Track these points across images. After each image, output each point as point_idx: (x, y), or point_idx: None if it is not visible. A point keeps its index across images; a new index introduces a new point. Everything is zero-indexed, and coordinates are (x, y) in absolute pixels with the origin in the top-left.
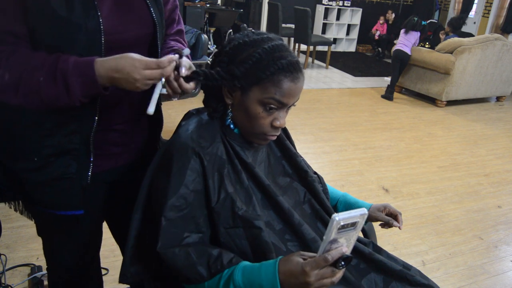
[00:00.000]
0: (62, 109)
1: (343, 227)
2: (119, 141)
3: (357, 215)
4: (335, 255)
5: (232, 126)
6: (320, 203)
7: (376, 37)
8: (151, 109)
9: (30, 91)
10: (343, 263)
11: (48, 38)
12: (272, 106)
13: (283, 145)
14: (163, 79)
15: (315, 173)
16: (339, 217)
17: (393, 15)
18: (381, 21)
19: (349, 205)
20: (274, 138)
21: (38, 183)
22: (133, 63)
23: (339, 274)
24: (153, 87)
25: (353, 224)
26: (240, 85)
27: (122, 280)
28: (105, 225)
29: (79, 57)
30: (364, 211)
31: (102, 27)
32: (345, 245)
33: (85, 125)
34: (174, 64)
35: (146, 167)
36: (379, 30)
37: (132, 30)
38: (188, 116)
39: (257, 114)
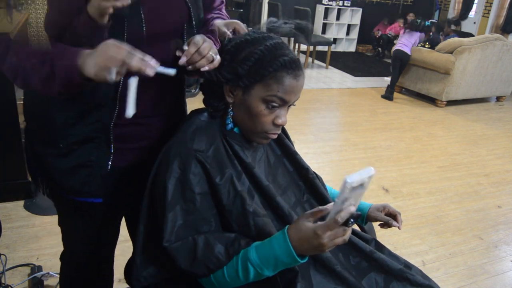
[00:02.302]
0: (85, 100)
1: (353, 188)
2: (140, 134)
3: (365, 176)
4: (345, 216)
5: (232, 125)
6: (321, 200)
7: (377, 36)
8: (130, 112)
9: (24, 73)
10: (352, 220)
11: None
12: (275, 103)
13: (283, 143)
14: (135, 79)
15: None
16: (350, 179)
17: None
18: (400, 24)
19: None
20: (275, 136)
21: (62, 169)
22: (108, 43)
23: (349, 231)
24: (128, 88)
25: (361, 185)
26: (244, 83)
27: (136, 285)
28: None
29: (66, 47)
30: (372, 171)
31: (143, 16)
32: (353, 204)
33: (106, 116)
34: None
35: None
36: (395, 32)
37: (170, 18)
38: (188, 117)
39: (259, 112)
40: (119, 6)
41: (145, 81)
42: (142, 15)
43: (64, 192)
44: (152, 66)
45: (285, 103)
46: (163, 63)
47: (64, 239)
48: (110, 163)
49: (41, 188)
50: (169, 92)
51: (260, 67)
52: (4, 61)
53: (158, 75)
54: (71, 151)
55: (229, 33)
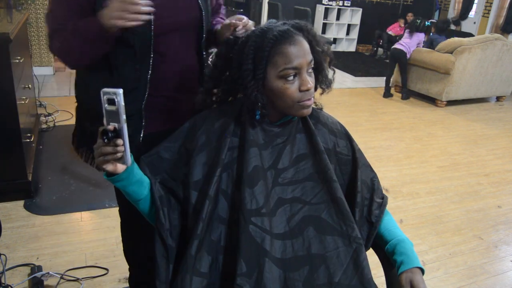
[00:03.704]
0: (123, 84)
1: (109, 101)
2: (170, 106)
3: (111, 91)
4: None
5: (258, 117)
6: (337, 204)
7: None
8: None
9: (66, 49)
10: (104, 137)
11: None
12: (290, 74)
13: (315, 141)
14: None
15: (383, 197)
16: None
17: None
18: (401, 24)
19: (397, 254)
20: (311, 102)
21: None
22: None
23: (108, 148)
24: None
25: (112, 102)
26: (258, 74)
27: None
28: (105, 224)
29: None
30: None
31: (152, 20)
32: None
33: (138, 96)
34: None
35: None
36: (394, 32)
37: (180, 15)
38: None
39: (281, 88)
40: (130, 26)
41: (167, 54)
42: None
43: None
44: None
45: (299, 69)
46: (177, 54)
47: (118, 202)
48: (141, 135)
49: (84, 158)
50: (190, 67)
51: (260, 53)
52: (53, 50)
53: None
54: None
55: (233, 21)
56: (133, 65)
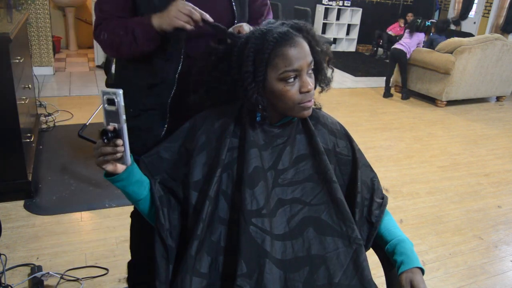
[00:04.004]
0: (151, 78)
1: (109, 101)
2: (193, 105)
3: (111, 91)
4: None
5: (259, 118)
6: (337, 204)
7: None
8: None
9: (116, 45)
10: (104, 138)
11: None
12: (290, 77)
13: (315, 142)
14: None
15: (383, 197)
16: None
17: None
18: (401, 24)
19: (397, 254)
20: (311, 103)
21: (128, 129)
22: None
23: (108, 148)
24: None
25: (112, 102)
26: (258, 77)
27: None
28: (105, 224)
29: (140, 18)
30: (118, 91)
31: None
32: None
33: (165, 92)
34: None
35: None
36: (394, 32)
37: (214, 16)
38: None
39: (282, 90)
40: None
41: (198, 47)
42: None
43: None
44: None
45: (299, 71)
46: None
47: None
48: (164, 128)
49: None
50: None
51: (260, 55)
52: (99, 39)
53: (213, 27)
54: (137, 116)
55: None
56: (163, 62)
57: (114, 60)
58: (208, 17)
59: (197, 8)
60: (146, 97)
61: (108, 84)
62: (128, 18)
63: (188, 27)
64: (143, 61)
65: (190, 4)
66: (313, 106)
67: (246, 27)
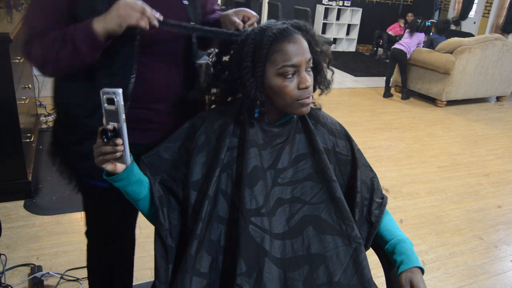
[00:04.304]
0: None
1: (109, 101)
2: (153, 119)
3: (110, 91)
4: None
5: (257, 115)
6: (336, 204)
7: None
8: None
9: (53, 59)
10: (104, 137)
11: None
12: (288, 72)
13: (315, 141)
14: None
15: (382, 197)
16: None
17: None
18: (401, 24)
19: (397, 254)
20: (310, 100)
21: (80, 154)
22: (121, 3)
23: (107, 147)
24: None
25: (112, 101)
26: (257, 72)
27: None
28: None
29: (80, 24)
30: (118, 91)
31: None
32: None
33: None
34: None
35: None
36: (394, 32)
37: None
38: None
39: (280, 86)
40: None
41: (153, 66)
42: None
43: (80, 175)
44: (159, 17)
45: (297, 67)
46: (160, 68)
47: (86, 221)
48: None
49: (59, 170)
50: (178, 78)
51: (259, 51)
52: (31, 55)
53: (164, 28)
54: (88, 139)
55: (239, 21)
56: (113, 75)
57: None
58: (159, 15)
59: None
60: (94, 117)
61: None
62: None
63: (143, 24)
64: (84, 78)
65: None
66: (312, 106)
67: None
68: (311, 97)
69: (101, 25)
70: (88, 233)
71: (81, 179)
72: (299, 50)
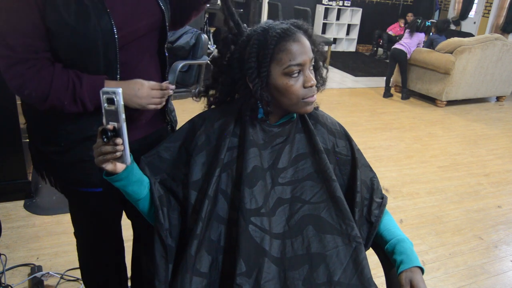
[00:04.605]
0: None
1: (109, 100)
2: (131, 117)
3: (110, 91)
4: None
5: (262, 115)
6: (336, 203)
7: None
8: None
9: (56, 105)
10: (104, 136)
11: (67, 48)
12: (294, 71)
13: (315, 141)
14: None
15: (382, 197)
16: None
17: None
18: (401, 24)
19: (397, 254)
20: (314, 98)
21: (63, 164)
22: (139, 85)
23: (107, 147)
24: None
25: (112, 101)
26: (263, 72)
27: None
28: None
29: (92, 82)
30: (118, 90)
31: (114, 25)
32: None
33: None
34: (173, 86)
35: (154, 144)
36: (394, 32)
37: (142, 20)
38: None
39: (286, 85)
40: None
41: (133, 61)
42: (113, 22)
43: (67, 184)
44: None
45: (302, 66)
46: (139, 63)
47: (73, 223)
48: None
49: (46, 180)
50: (154, 69)
51: (263, 51)
52: (23, 95)
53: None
54: (71, 149)
55: None
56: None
57: None
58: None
59: (161, 84)
60: (75, 125)
61: None
62: (54, 61)
63: (159, 107)
64: None
65: (153, 83)
66: None
67: None
68: (315, 95)
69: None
70: (75, 234)
71: (69, 187)
72: (303, 49)
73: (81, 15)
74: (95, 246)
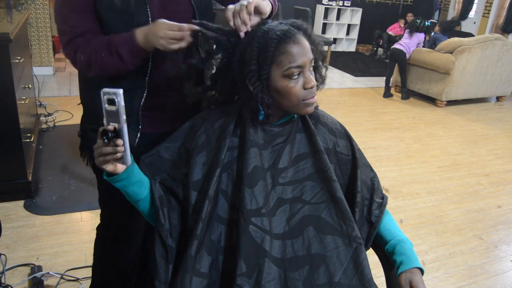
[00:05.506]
0: (118, 85)
1: (110, 101)
2: (164, 110)
3: (111, 91)
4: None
5: (263, 117)
6: (336, 203)
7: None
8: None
9: (99, 65)
10: (104, 138)
11: (112, 29)
12: (294, 73)
13: (315, 141)
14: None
15: (383, 197)
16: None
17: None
18: (401, 24)
19: (397, 254)
20: (315, 99)
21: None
22: (159, 25)
23: (108, 148)
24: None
25: (112, 102)
26: (263, 75)
27: None
28: None
29: (123, 34)
30: (118, 91)
31: (150, 20)
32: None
33: (136, 99)
34: (189, 32)
35: None
36: (394, 32)
37: (175, 19)
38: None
39: (287, 87)
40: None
41: (157, 58)
42: (149, 12)
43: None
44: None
45: (302, 68)
46: (169, 59)
47: (100, 204)
48: (137, 137)
49: (85, 159)
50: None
51: (264, 53)
52: (75, 59)
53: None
54: None
55: (233, 26)
56: (135, 71)
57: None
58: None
59: (180, 25)
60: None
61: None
62: (104, 35)
63: (184, 45)
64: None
65: (170, 23)
66: None
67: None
68: (315, 96)
69: (145, 41)
70: (99, 227)
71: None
72: (303, 51)
73: (124, 8)
74: (117, 241)
